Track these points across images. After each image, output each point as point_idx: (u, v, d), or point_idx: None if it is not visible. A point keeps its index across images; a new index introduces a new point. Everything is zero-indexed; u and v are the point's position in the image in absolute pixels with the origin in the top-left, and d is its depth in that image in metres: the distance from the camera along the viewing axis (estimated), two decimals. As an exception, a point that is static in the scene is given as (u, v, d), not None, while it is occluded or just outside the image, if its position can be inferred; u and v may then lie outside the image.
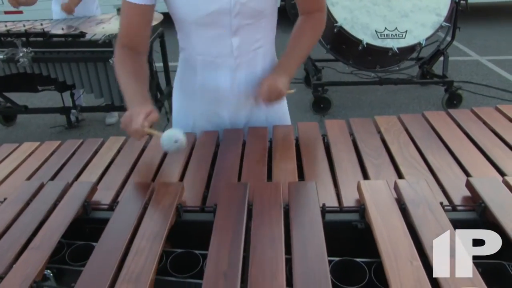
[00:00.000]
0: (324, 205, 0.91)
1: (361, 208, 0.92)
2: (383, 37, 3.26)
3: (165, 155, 1.19)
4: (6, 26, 2.80)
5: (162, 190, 0.96)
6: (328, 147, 1.22)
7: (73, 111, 3.38)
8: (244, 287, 0.71)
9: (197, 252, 0.83)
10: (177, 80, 1.38)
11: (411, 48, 3.36)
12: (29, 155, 1.27)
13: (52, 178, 1.13)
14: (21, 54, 2.77)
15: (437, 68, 3.88)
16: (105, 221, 0.95)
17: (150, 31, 1.22)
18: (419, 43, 3.25)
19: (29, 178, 1.14)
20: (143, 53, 1.22)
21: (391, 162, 1.14)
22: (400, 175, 1.08)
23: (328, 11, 3.27)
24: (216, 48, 1.20)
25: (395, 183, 0.98)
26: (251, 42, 1.22)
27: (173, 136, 1.05)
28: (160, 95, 3.53)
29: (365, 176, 1.09)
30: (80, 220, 0.95)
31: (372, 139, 1.25)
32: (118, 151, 1.24)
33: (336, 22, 3.23)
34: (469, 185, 0.99)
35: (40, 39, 2.79)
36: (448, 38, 3.61)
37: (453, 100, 3.56)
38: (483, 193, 0.93)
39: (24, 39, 2.75)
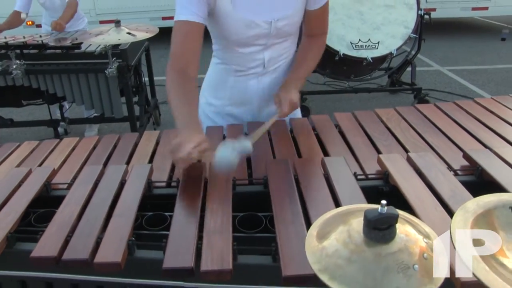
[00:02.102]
0: (355, 173, 1.10)
1: (385, 175, 1.11)
2: (357, 48, 3.54)
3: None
4: (5, 38, 2.85)
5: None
6: (342, 134, 1.41)
7: (62, 123, 3.42)
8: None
9: (260, 214, 0.99)
10: (208, 81, 1.52)
11: (383, 58, 3.66)
12: (73, 149, 1.38)
13: (105, 165, 1.25)
14: (14, 66, 2.83)
15: (404, 78, 4.22)
16: (165, 197, 1.10)
17: (199, 54, 1.25)
18: (391, 53, 3.55)
19: (82, 166, 1.26)
20: (194, 78, 1.25)
21: (398, 143, 1.34)
22: (407, 152, 1.28)
23: (307, 24, 3.52)
24: (250, 61, 1.39)
25: (408, 156, 1.18)
26: (279, 55, 1.41)
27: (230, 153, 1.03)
28: (147, 106, 3.64)
29: (379, 153, 1.28)
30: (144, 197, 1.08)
31: (378, 127, 1.46)
32: (157, 143, 1.38)
33: (315, 34, 3.49)
34: (466, 156, 1.20)
35: (35, 51, 2.86)
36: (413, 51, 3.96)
37: (421, 105, 3.88)
38: (479, 160, 1.15)
39: (18, 51, 2.81)
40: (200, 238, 0.88)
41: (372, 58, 3.50)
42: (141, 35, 2.58)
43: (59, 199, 1.08)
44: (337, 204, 0.96)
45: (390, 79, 4.35)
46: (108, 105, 3.19)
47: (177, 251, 0.84)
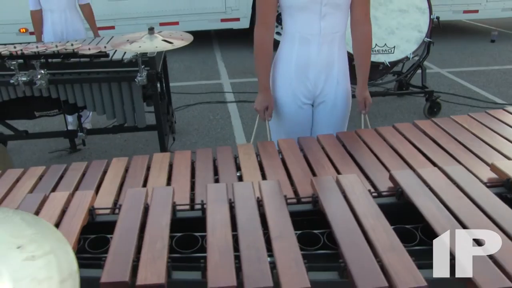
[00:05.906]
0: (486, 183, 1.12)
1: (508, 182, 1.14)
2: (374, 52, 3.59)
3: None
4: (37, 47, 2.74)
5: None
6: (434, 141, 1.44)
7: (80, 134, 3.31)
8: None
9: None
10: (280, 54, 1.78)
11: (397, 62, 3.73)
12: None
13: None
14: (39, 76, 2.72)
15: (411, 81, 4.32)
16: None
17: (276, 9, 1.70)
18: (407, 57, 3.63)
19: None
20: (272, 27, 1.72)
21: (493, 149, 1.38)
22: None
23: (324, 30, 3.56)
24: (309, 28, 1.65)
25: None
26: (332, 27, 1.66)
27: None
28: (168, 114, 3.57)
29: (481, 159, 1.31)
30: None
31: (466, 134, 1.49)
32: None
33: (333, 39, 3.52)
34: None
35: (58, 60, 2.76)
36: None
37: (433, 108, 3.98)
38: None
39: (43, 60, 2.71)
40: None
41: (389, 63, 3.56)
42: (178, 43, 2.53)
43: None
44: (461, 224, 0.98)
45: (397, 82, 4.43)
46: (130, 115, 3.11)
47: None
